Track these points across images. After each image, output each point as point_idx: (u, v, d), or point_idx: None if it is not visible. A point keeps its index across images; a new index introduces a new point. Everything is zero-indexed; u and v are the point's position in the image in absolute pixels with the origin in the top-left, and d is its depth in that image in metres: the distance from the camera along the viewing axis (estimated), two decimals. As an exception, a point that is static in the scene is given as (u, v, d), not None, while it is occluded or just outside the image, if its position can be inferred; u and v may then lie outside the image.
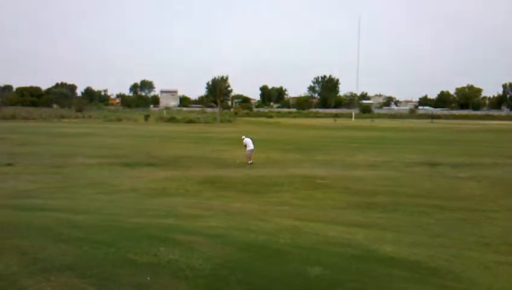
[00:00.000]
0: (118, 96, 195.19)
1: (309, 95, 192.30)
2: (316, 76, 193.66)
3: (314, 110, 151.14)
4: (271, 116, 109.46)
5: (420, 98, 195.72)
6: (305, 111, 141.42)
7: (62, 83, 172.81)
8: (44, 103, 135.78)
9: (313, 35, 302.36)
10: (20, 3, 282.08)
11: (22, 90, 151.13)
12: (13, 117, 75.24)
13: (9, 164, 21.23)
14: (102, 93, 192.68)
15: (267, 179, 18.48)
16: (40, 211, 9.72)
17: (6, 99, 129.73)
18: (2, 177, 17.86)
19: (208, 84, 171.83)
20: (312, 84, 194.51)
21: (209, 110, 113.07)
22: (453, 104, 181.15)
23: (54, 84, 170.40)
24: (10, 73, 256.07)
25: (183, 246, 6.14)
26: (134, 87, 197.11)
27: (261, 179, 18.45)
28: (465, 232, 10.30)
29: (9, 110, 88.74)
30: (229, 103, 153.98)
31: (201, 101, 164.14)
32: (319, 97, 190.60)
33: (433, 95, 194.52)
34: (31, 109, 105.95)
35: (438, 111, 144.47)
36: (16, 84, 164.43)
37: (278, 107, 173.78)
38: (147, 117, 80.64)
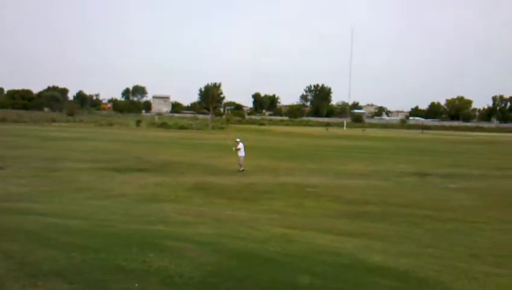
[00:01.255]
0: (110, 101, 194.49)
1: (301, 103, 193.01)
2: (308, 85, 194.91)
3: (306, 118, 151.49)
4: (263, 124, 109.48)
5: (411, 109, 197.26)
6: (297, 119, 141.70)
7: (54, 87, 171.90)
8: (36, 106, 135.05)
9: (306, 44, 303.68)
10: (13, 6, 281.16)
11: (13, 93, 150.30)
12: (3, 120, 74.66)
13: (-1, 167, 21.05)
14: (94, 97, 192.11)
15: (258, 187, 18.49)
16: (29, 215, 9.64)
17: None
18: (-9, 181, 17.70)
19: (200, 90, 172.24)
20: (304, 93, 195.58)
21: (201, 116, 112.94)
22: (444, 116, 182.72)
23: (45, 87, 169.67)
24: (1, 76, 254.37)
25: (172, 253, 6.12)
26: (126, 92, 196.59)
27: (252, 187, 18.46)
28: (454, 243, 10.35)
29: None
30: (221, 109, 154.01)
31: (193, 107, 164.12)
32: (311, 106, 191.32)
33: (424, 106, 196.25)
34: (22, 112, 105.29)
35: (428, 122, 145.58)
36: (7, 86, 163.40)
37: (270, 115, 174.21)
38: (138, 122, 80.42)
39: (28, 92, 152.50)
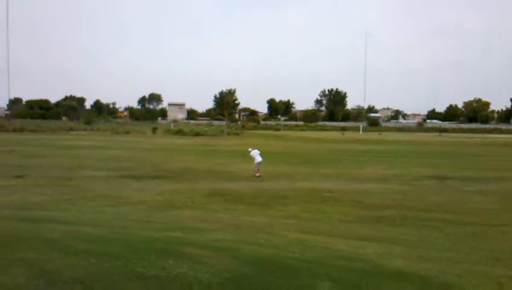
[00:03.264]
0: (126, 109, 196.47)
1: (316, 108, 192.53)
2: (322, 89, 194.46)
3: (321, 123, 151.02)
4: (278, 129, 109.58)
5: (428, 112, 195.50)
6: (313, 124, 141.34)
7: (71, 96, 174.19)
8: (53, 116, 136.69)
9: (320, 48, 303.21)
10: (28, 18, 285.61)
11: (31, 103, 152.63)
12: (22, 130, 75.79)
13: (18, 176, 21.34)
14: (111, 106, 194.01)
15: (274, 192, 18.43)
16: (47, 223, 9.73)
17: (15, 111, 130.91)
18: (11, 189, 17.94)
19: (215, 97, 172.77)
20: (319, 98, 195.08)
21: (216, 123, 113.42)
22: (461, 118, 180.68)
23: (63, 97, 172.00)
24: (20, 86, 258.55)
25: (191, 260, 6.10)
26: (142, 100, 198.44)
27: (269, 192, 18.40)
28: (475, 247, 10.17)
29: (18, 122, 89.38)
30: (236, 116, 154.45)
31: (208, 114, 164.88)
32: (326, 110, 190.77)
33: (441, 108, 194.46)
34: (40, 121, 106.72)
35: (446, 124, 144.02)
36: (25, 97, 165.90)
37: (285, 120, 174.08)
38: (154, 130, 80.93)
39: (46, 101, 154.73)
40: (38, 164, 27.36)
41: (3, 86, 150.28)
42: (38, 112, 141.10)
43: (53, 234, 7.71)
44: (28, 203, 14.98)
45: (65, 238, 7.35)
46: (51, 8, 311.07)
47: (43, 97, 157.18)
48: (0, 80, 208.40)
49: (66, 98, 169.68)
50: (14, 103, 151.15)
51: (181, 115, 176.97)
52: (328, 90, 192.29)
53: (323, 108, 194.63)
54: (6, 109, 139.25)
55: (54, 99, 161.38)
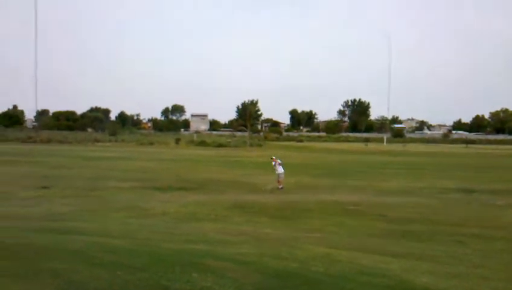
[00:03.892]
0: (150, 120, 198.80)
1: (339, 119, 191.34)
2: (345, 100, 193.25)
3: (344, 134, 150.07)
4: (301, 141, 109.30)
5: (454, 123, 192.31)
6: (335, 135, 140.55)
7: (96, 108, 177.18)
8: (80, 127, 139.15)
9: (343, 59, 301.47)
10: (54, 30, 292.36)
11: (58, 115, 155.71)
12: (49, 141, 77.32)
13: (45, 187, 21.71)
14: (135, 117, 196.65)
15: (297, 205, 18.31)
16: (73, 234, 9.85)
17: (43, 123, 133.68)
18: (38, 200, 18.27)
19: (237, 108, 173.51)
20: (342, 108, 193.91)
21: (238, 134, 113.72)
22: (488, 129, 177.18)
23: (88, 108, 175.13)
24: (46, 98, 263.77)
25: (215, 273, 6.08)
26: (165, 112, 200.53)
27: (292, 205, 18.30)
28: (505, 263, 9.89)
29: (45, 134, 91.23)
30: (259, 126, 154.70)
31: (231, 125, 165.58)
32: (349, 121, 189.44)
33: (467, 119, 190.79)
34: (66, 132, 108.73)
35: (472, 136, 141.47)
36: (52, 108, 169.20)
37: (308, 131, 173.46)
38: (177, 141, 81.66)
39: (72, 113, 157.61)
40: (64, 174, 27.83)
41: (31, 97, 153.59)
42: (64, 123, 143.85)
43: (79, 245, 7.80)
44: (54, 214, 15.22)
45: (91, 249, 7.42)
46: (76, 19, 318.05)
47: (69, 109, 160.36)
48: (28, 92, 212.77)
49: (92, 110, 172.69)
50: (42, 114, 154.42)
51: (203, 126, 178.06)
52: (351, 101, 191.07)
53: (346, 119, 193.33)
54: (34, 120, 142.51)
55: (79, 110, 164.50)
